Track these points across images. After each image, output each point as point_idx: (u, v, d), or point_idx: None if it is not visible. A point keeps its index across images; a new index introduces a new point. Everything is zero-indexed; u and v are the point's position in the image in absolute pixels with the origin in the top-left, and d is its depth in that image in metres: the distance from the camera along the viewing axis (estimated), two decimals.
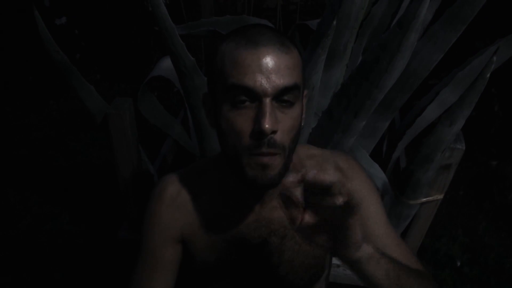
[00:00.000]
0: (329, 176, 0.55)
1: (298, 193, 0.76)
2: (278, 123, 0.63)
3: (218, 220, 0.81)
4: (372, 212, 0.83)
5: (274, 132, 0.63)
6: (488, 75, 0.92)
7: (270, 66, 0.62)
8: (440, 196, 1.21)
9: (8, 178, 2.25)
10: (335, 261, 1.33)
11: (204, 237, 0.82)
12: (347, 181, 0.82)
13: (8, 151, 2.45)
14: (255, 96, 0.62)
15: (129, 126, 1.21)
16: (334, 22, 0.94)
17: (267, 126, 0.61)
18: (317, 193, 0.58)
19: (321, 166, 0.83)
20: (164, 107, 1.62)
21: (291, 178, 0.74)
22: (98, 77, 3.06)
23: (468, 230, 2.08)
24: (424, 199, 1.21)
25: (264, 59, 0.62)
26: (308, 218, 0.61)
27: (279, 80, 0.62)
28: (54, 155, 2.43)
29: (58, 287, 1.73)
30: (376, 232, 0.81)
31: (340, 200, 0.55)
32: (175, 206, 0.82)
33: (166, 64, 1.50)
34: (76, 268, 1.79)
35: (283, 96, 0.64)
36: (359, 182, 0.83)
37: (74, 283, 1.74)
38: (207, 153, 1.33)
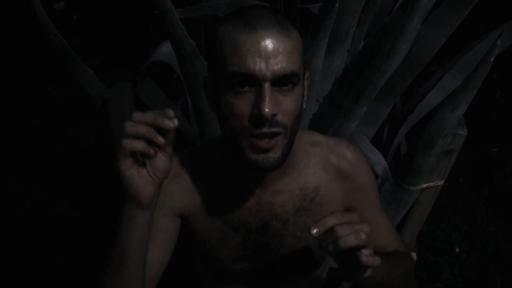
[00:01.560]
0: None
1: (285, 198, 0.80)
2: (279, 105, 0.64)
3: (219, 202, 0.81)
4: (373, 206, 0.89)
5: (274, 115, 0.63)
6: (492, 59, 0.91)
7: (269, 50, 0.61)
8: (440, 182, 1.21)
9: (8, 164, 2.25)
10: None
11: (205, 218, 0.82)
12: (355, 174, 0.84)
13: (7, 138, 2.44)
14: (254, 81, 0.62)
15: (128, 110, 1.21)
16: (337, 5, 0.92)
17: (267, 110, 0.61)
18: None
19: (326, 156, 0.83)
20: (164, 92, 1.61)
21: (287, 180, 0.77)
22: (97, 63, 3.04)
23: (467, 217, 2.09)
24: (425, 185, 1.20)
25: (263, 43, 0.61)
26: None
27: (277, 66, 0.62)
28: (53, 141, 2.42)
29: (59, 272, 1.74)
30: (374, 223, 0.86)
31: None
32: (176, 183, 0.81)
33: (165, 49, 1.49)
34: (76, 253, 1.80)
35: (283, 81, 0.64)
36: (365, 175, 0.86)
37: (75, 268, 1.75)
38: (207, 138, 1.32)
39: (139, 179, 0.61)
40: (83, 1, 2.98)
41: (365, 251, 0.62)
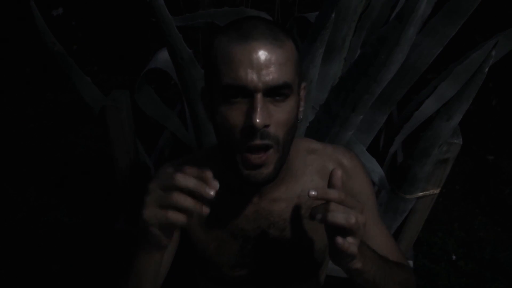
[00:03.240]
0: None
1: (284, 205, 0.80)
2: (271, 117, 0.64)
3: (217, 210, 0.81)
4: (370, 214, 0.86)
5: (266, 126, 0.63)
6: (487, 70, 0.92)
7: (261, 61, 0.62)
8: (436, 191, 1.22)
9: (6, 170, 2.25)
10: None
11: (203, 226, 0.83)
12: (350, 181, 0.83)
13: (5, 143, 2.44)
14: (246, 92, 0.63)
15: (126, 118, 1.21)
16: (333, 15, 0.93)
17: (258, 121, 0.61)
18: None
19: (323, 163, 0.83)
20: (162, 99, 1.61)
21: (284, 188, 0.77)
22: (95, 69, 3.05)
23: (464, 224, 2.09)
24: (421, 193, 1.21)
25: (254, 54, 0.62)
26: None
27: (269, 76, 0.62)
28: (51, 147, 2.42)
29: (56, 279, 1.73)
30: (371, 232, 0.85)
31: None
32: None
33: (163, 56, 1.49)
34: (73, 260, 1.80)
35: (275, 92, 0.64)
36: (362, 182, 0.85)
37: (72, 274, 1.74)
38: (204, 146, 1.32)
39: (161, 231, 0.60)
40: (82, 8, 2.99)
41: (349, 238, 0.60)
